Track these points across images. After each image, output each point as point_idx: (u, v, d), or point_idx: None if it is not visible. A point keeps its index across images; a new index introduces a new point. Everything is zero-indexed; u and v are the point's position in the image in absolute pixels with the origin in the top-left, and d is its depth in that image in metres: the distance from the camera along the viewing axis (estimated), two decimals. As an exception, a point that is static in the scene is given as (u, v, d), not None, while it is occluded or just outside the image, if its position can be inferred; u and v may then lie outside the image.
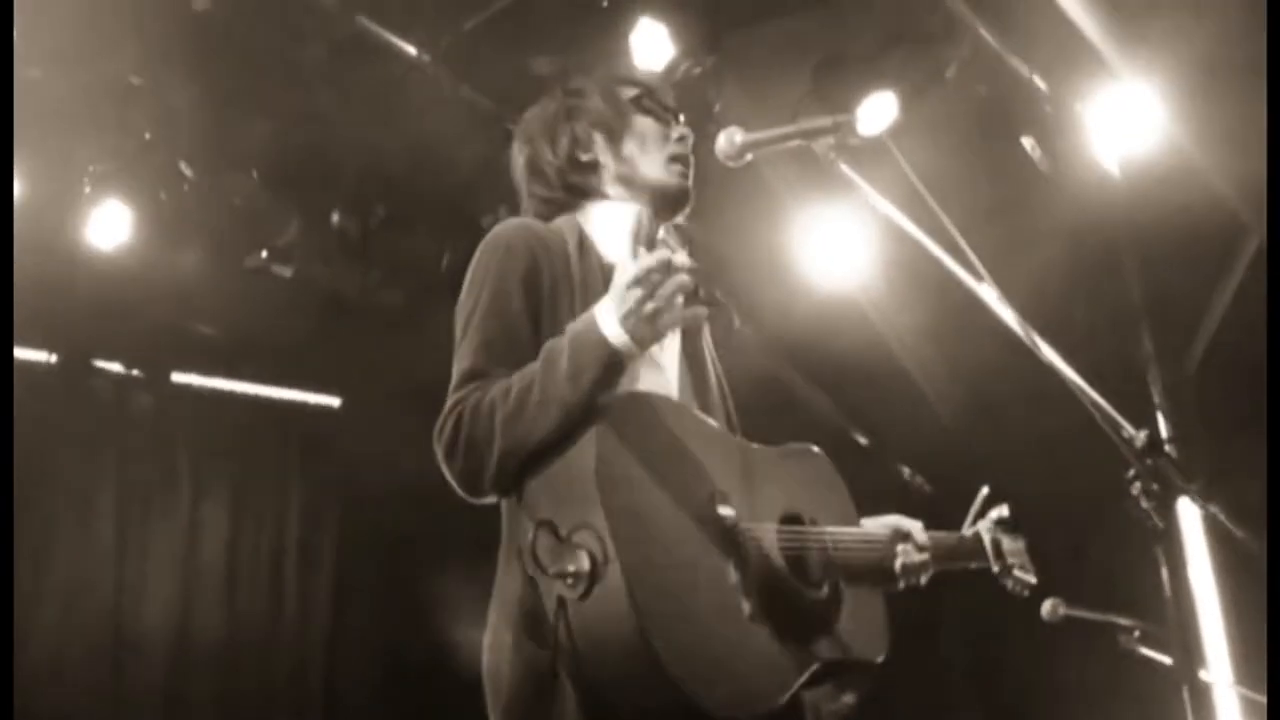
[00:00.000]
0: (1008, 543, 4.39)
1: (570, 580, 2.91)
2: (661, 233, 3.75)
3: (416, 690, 9.76)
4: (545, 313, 3.37)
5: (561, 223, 3.62)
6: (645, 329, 3.13)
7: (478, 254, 3.49)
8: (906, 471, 9.42)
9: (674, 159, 3.71)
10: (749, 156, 3.61)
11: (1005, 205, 7.68)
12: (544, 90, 3.99)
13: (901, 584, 3.82)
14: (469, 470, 3.16)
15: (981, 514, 4.37)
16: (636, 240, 3.42)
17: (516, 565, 3.13)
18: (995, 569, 4.32)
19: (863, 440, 9.44)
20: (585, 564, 2.91)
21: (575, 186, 3.72)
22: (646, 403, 3.21)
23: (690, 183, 3.73)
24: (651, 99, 3.80)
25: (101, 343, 9.32)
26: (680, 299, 3.15)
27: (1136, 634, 5.70)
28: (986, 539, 4.28)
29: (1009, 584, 4.42)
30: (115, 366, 9.49)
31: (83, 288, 8.03)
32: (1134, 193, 7.81)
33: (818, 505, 3.52)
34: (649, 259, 3.11)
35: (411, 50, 7.14)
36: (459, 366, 3.32)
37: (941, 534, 4.11)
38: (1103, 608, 5.79)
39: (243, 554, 10.19)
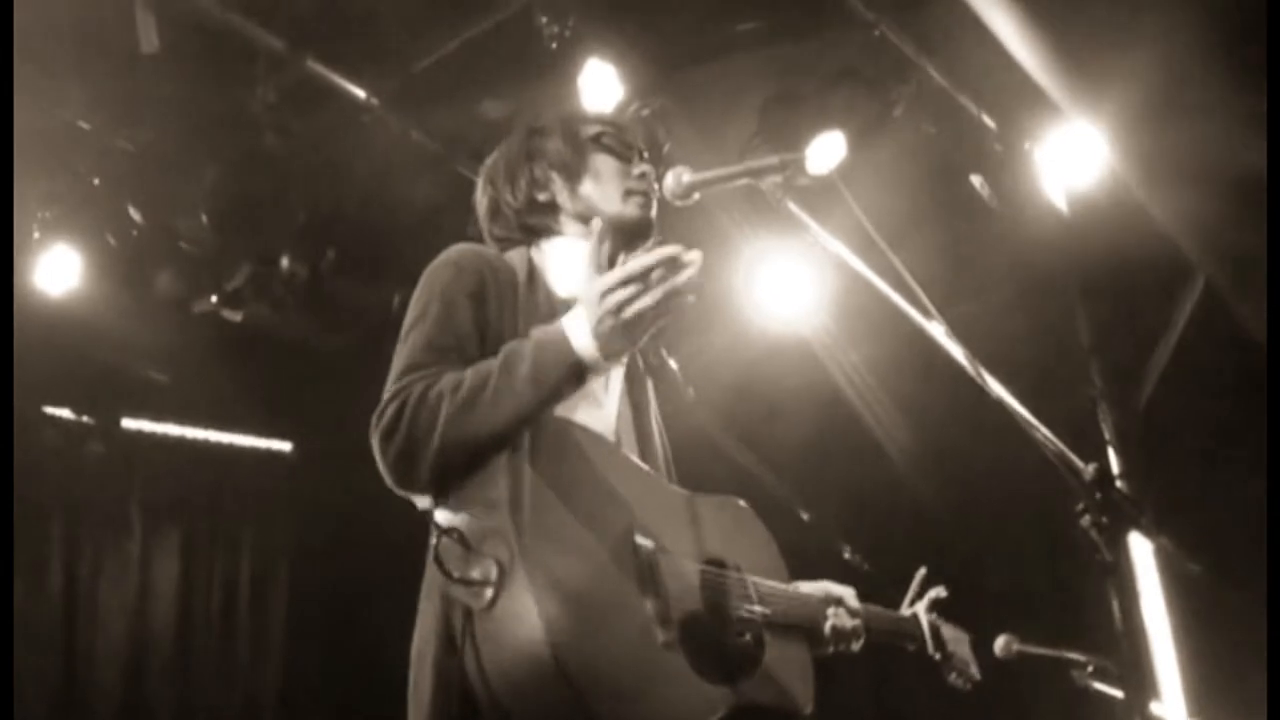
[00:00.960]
0: (949, 631, 4.38)
1: (476, 588, 2.87)
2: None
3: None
4: (490, 334, 3.34)
5: (513, 254, 3.62)
6: (620, 339, 3.12)
7: (426, 273, 3.47)
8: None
9: (632, 192, 3.68)
10: (696, 196, 3.62)
11: (955, 243, 7.72)
12: (493, 133, 4.00)
13: (831, 649, 3.83)
14: (404, 456, 3.08)
15: (919, 596, 4.37)
16: (598, 255, 3.46)
17: (438, 587, 3.09)
18: (934, 656, 4.32)
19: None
20: (493, 572, 2.86)
21: (532, 228, 3.71)
22: (569, 429, 3.17)
23: (651, 214, 3.70)
24: (613, 136, 3.78)
25: (51, 389, 9.27)
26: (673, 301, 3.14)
27: (1090, 669, 5.70)
28: (924, 622, 4.27)
29: (950, 676, 4.41)
30: (65, 413, 9.44)
31: (32, 333, 7.98)
32: (1083, 230, 7.85)
33: (745, 555, 3.49)
34: (649, 257, 3.11)
35: (360, 94, 7.14)
36: (399, 364, 3.27)
37: (877, 608, 4.12)
38: (1056, 644, 5.80)
39: (195, 598, 10.14)
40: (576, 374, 3.12)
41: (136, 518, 9.96)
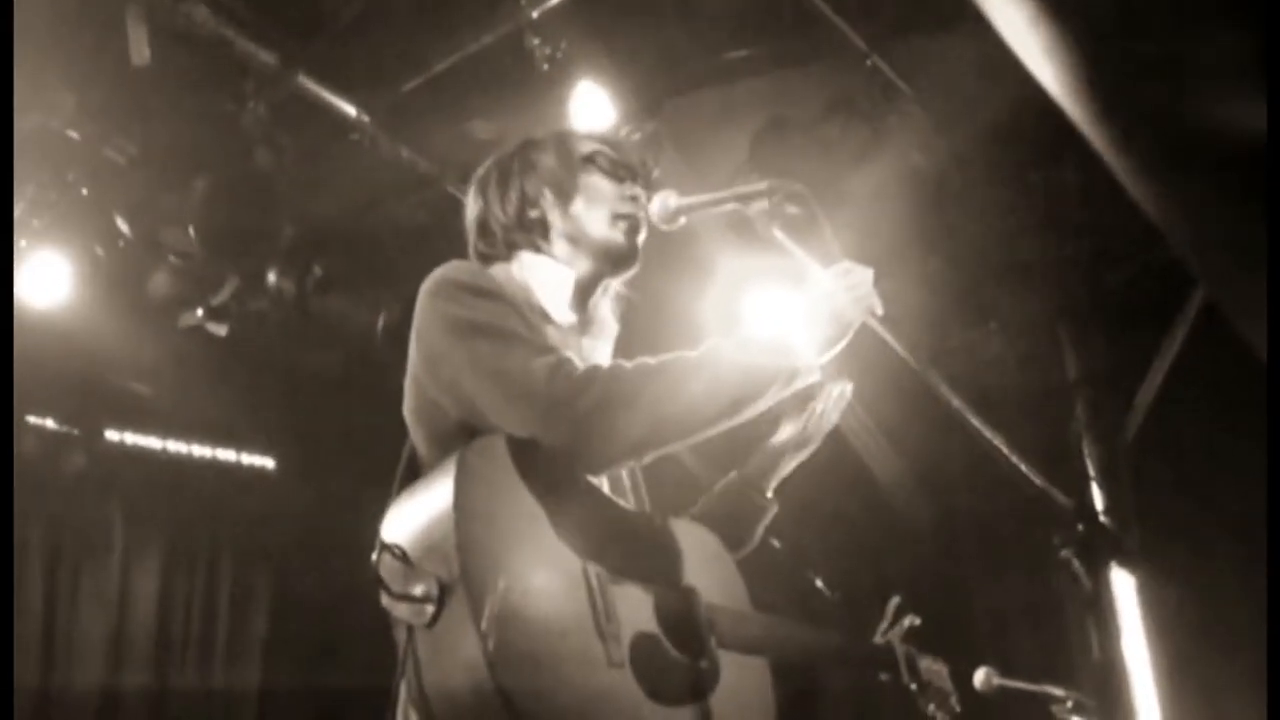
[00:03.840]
0: (925, 661, 4.36)
1: (417, 605, 2.83)
2: (599, 294, 3.74)
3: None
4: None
5: (497, 270, 3.61)
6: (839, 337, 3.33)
7: (447, 288, 3.39)
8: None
9: (620, 217, 3.67)
10: (683, 220, 3.62)
11: (940, 273, 7.71)
12: (482, 153, 3.98)
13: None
14: (596, 415, 3.10)
15: (892, 625, 4.35)
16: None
17: None
18: (911, 686, 4.29)
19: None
20: (434, 588, 2.82)
21: (518, 244, 3.71)
22: (521, 446, 3.12)
23: (637, 242, 3.70)
24: (606, 157, 3.78)
25: (35, 399, 9.24)
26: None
27: (1070, 704, 5.67)
28: (899, 652, 4.24)
29: (928, 708, 4.38)
30: (48, 423, 9.41)
31: (17, 342, 7.94)
32: (1070, 259, 7.86)
33: (704, 581, 3.43)
34: (849, 274, 3.33)
35: (351, 111, 7.13)
36: (543, 358, 3.19)
37: (850, 638, 4.12)
38: (1036, 677, 5.77)
39: (174, 612, 10.11)
40: (789, 375, 3.26)
41: (117, 529, 9.95)
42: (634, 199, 3.71)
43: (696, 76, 7.24)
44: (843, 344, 3.32)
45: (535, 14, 6.69)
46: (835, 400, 4.15)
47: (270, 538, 10.45)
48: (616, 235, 3.67)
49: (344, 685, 9.61)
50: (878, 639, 4.26)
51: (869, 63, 7.01)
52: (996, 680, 5.25)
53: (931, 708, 4.35)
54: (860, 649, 4.20)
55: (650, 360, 3.21)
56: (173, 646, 10.04)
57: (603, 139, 3.93)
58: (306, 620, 10.30)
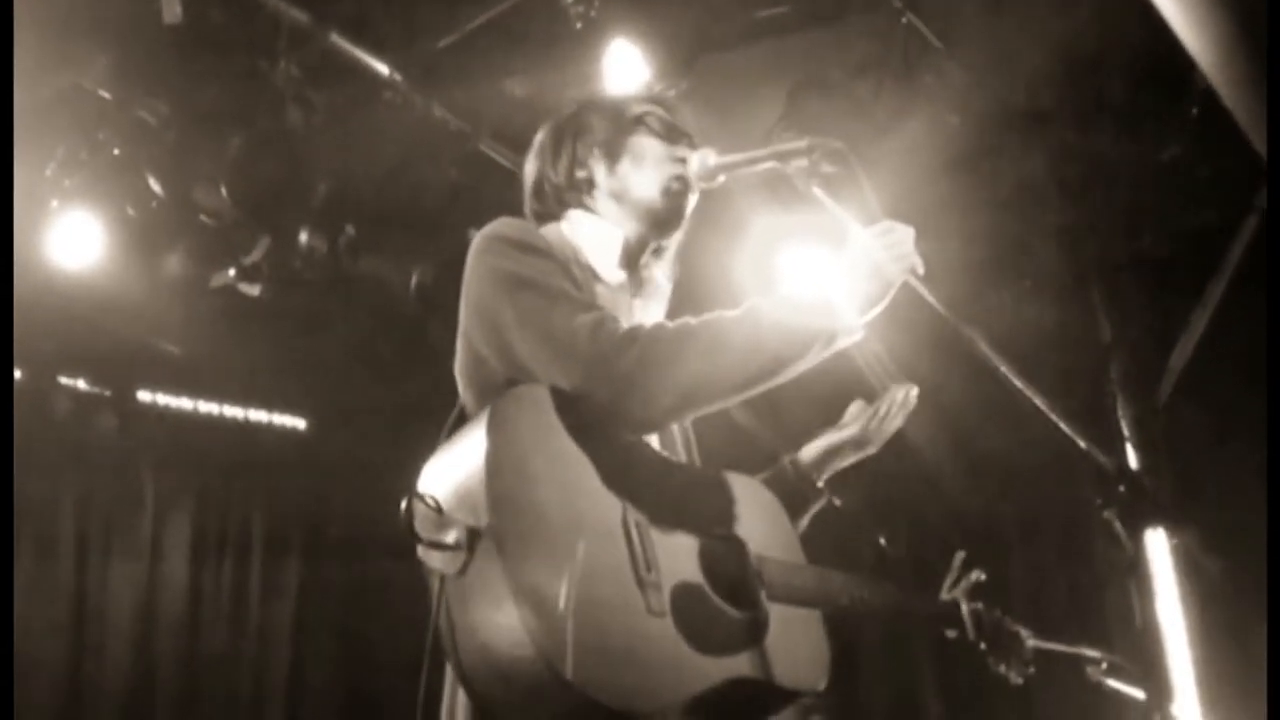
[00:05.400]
0: (997, 620, 4.34)
1: (447, 552, 2.82)
2: (648, 254, 3.75)
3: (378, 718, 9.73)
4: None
5: (547, 230, 3.64)
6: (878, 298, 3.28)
7: (495, 244, 3.42)
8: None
9: (667, 179, 3.68)
10: (721, 179, 3.62)
11: (975, 235, 7.67)
12: (515, 111, 3.99)
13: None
14: (633, 378, 3.11)
15: (957, 581, 4.33)
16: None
17: None
18: (980, 645, 4.28)
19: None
20: (464, 535, 2.81)
21: (566, 201, 3.76)
22: (565, 396, 3.12)
23: (683, 204, 3.71)
24: (658, 118, 3.79)
25: (66, 359, 9.25)
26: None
27: (1105, 666, 5.67)
28: (964, 609, 4.23)
29: (1000, 668, 4.37)
30: (80, 384, 9.42)
31: (48, 303, 7.95)
32: (1104, 222, 7.82)
33: (754, 532, 3.42)
34: (890, 233, 3.29)
35: (383, 69, 7.11)
36: (587, 315, 3.21)
37: (915, 594, 4.12)
38: (1071, 639, 5.77)
39: (206, 571, 10.15)
40: (831, 340, 3.22)
41: (149, 490, 9.99)
42: (683, 160, 3.70)
43: (730, 34, 7.20)
44: (884, 304, 3.29)
45: (569, -29, 6.67)
46: (899, 405, 4.15)
47: (301, 497, 10.49)
48: (661, 197, 3.68)
49: (376, 640, 9.68)
50: (943, 595, 4.25)
51: (904, 20, 6.97)
52: (1033, 642, 5.24)
53: (1002, 667, 4.35)
54: (922, 604, 4.19)
55: (691, 320, 3.20)
56: (205, 605, 10.08)
57: (657, 100, 3.96)
58: (338, 579, 10.34)
